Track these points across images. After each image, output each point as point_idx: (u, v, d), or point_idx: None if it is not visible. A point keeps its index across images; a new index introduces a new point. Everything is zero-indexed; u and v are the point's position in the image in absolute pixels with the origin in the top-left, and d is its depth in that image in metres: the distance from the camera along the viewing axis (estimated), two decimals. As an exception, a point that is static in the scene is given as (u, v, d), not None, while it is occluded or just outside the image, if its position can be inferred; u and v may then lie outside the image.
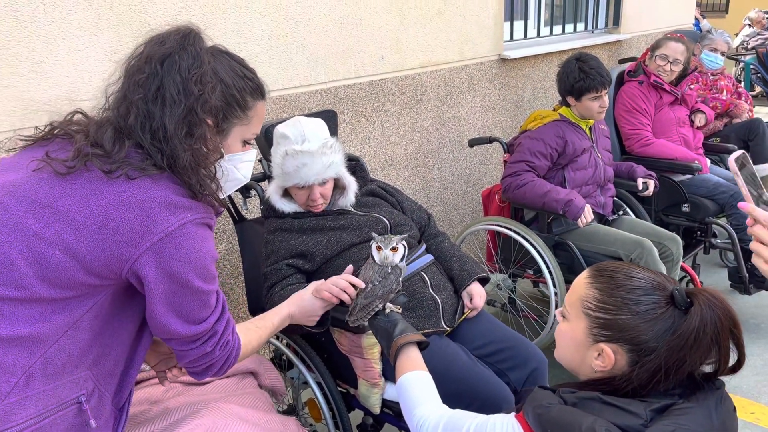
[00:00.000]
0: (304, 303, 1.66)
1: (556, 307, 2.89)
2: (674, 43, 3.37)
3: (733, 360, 1.12)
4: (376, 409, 1.89)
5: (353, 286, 1.65)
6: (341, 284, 1.65)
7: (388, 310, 1.56)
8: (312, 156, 1.86)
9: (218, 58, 1.27)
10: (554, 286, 2.84)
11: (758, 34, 9.30)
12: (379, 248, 1.57)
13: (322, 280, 1.69)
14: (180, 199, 1.17)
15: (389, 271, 1.56)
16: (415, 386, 1.38)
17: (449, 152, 3.60)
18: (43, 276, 1.11)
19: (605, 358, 1.13)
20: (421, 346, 1.50)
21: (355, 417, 2.00)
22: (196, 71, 1.19)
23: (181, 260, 1.16)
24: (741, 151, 1.16)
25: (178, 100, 1.17)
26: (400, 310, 1.60)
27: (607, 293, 1.14)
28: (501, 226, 3.00)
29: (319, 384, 1.97)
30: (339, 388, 1.99)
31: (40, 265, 1.10)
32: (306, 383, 2.12)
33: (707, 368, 1.13)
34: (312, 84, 2.79)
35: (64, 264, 1.11)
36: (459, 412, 1.27)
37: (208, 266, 1.22)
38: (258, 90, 1.33)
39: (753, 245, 1.11)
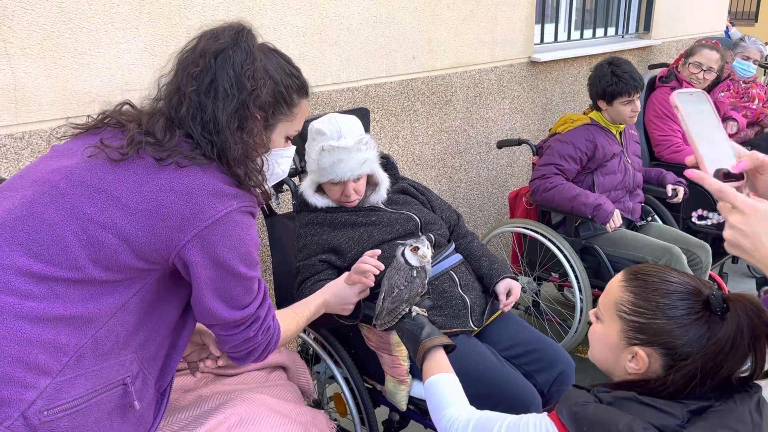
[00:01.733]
0: (338, 290, 1.70)
1: (581, 312, 2.88)
2: (709, 51, 3.34)
3: None
4: (403, 406, 1.90)
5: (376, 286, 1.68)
6: (365, 266, 1.69)
7: (414, 313, 1.57)
8: (348, 152, 1.88)
9: (268, 55, 1.31)
10: (580, 290, 2.83)
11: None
12: (415, 249, 1.57)
13: (351, 270, 1.72)
14: (227, 187, 1.21)
15: (414, 275, 1.57)
16: (443, 388, 1.39)
17: (476, 153, 3.60)
18: (96, 258, 1.14)
19: (639, 361, 1.14)
20: (448, 349, 1.51)
21: (380, 413, 2.01)
22: (249, 67, 1.22)
23: (227, 246, 1.20)
24: (692, 89, 1.06)
25: (231, 94, 1.21)
26: (425, 314, 1.61)
27: (642, 297, 1.14)
28: (528, 229, 2.99)
29: (345, 379, 1.98)
30: (365, 384, 2.00)
31: (93, 248, 1.14)
32: (332, 378, 2.13)
33: (743, 372, 1.12)
34: (344, 82, 2.81)
35: (116, 247, 1.15)
36: (488, 412, 1.28)
37: (252, 253, 1.26)
38: (303, 88, 1.37)
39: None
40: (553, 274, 3.07)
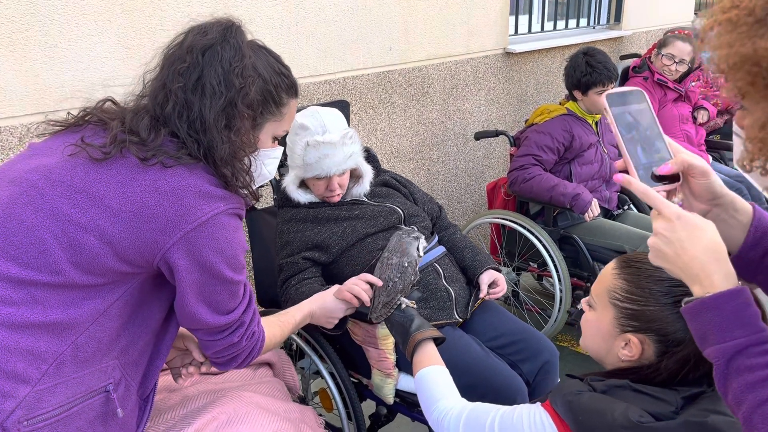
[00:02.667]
0: (326, 303, 1.67)
1: (560, 301, 2.91)
2: (682, 44, 3.38)
3: None
4: (390, 400, 1.89)
5: (370, 284, 1.67)
6: (362, 285, 1.66)
7: (403, 305, 1.57)
8: (333, 147, 1.86)
9: (257, 52, 1.27)
10: (559, 279, 2.86)
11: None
12: (416, 238, 1.57)
13: (345, 283, 1.69)
14: (213, 189, 1.17)
15: (406, 264, 1.56)
16: (434, 381, 1.38)
17: (454, 145, 3.60)
18: (77, 262, 1.10)
19: (632, 348, 1.14)
20: (437, 341, 1.50)
21: (367, 407, 2.01)
22: (238, 64, 1.19)
23: (213, 250, 1.16)
24: (623, 88, 1.02)
25: (218, 92, 1.17)
26: (415, 306, 1.60)
27: (635, 284, 1.15)
28: (507, 220, 3.00)
29: (331, 374, 1.97)
30: (351, 379, 1.99)
31: (74, 251, 1.10)
32: (317, 373, 2.12)
33: None
34: (321, 74, 2.78)
35: (98, 250, 1.10)
36: (480, 404, 1.28)
37: (239, 256, 1.22)
38: (292, 88, 1.33)
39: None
40: (531, 264, 3.09)
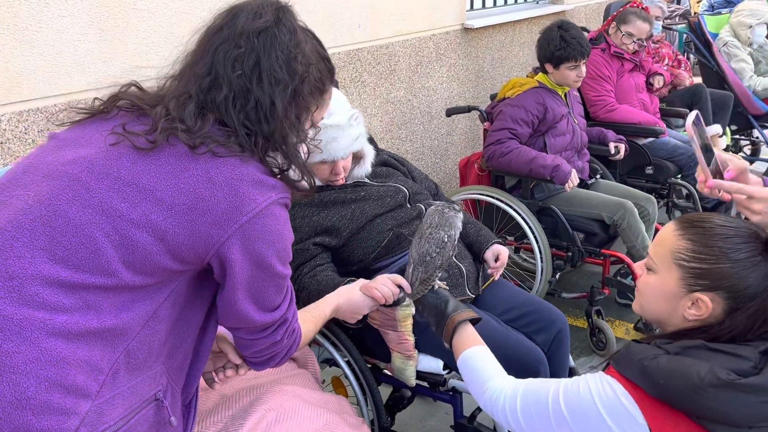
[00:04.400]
0: (353, 298, 1.59)
1: (542, 272, 2.96)
2: (642, 23, 3.45)
3: None
4: (412, 382, 1.86)
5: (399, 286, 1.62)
6: (392, 287, 1.61)
7: (436, 286, 1.53)
8: (341, 129, 1.79)
9: (306, 36, 1.19)
10: (540, 251, 2.90)
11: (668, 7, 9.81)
12: (458, 210, 1.53)
13: (375, 279, 1.63)
14: (265, 177, 1.10)
15: (446, 239, 1.53)
16: (481, 361, 1.37)
17: (420, 123, 3.58)
18: (129, 261, 1.01)
19: (701, 307, 1.15)
20: (473, 322, 1.48)
21: (383, 391, 1.97)
22: (299, 50, 1.12)
23: (266, 242, 1.10)
24: (695, 112, 1.24)
25: (283, 80, 1.10)
26: (446, 287, 1.58)
27: (702, 243, 1.16)
28: (485, 195, 3.01)
29: (347, 362, 1.91)
30: (366, 364, 1.95)
31: (127, 249, 1.00)
32: (327, 361, 2.06)
33: None
34: (295, 54, 2.68)
35: (151, 248, 1.02)
36: (534, 380, 1.27)
37: (288, 248, 1.16)
38: (333, 73, 1.27)
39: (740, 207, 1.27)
40: (509, 237, 3.12)
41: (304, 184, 1.21)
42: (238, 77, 1.09)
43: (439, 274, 1.53)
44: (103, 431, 0.99)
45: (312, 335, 1.43)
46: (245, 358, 1.26)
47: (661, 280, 1.21)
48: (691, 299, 1.16)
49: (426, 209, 1.59)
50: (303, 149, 1.21)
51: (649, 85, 3.76)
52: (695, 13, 7.51)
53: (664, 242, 1.22)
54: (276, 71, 1.10)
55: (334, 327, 1.92)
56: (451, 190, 3.46)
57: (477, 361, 1.37)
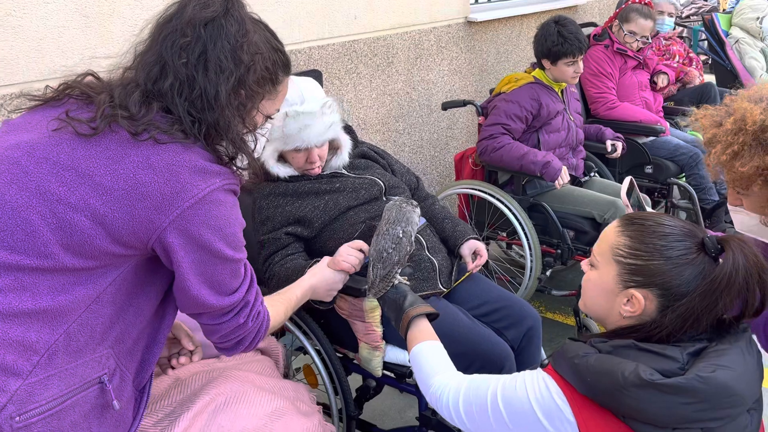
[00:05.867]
0: (325, 276, 1.62)
1: (531, 269, 2.95)
2: (644, 21, 3.39)
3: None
4: (378, 372, 1.88)
5: (361, 251, 1.64)
6: (356, 254, 1.64)
7: (396, 281, 1.55)
8: (313, 117, 1.81)
9: (256, 27, 1.21)
10: (529, 247, 2.89)
11: (692, 2, 9.61)
12: (416, 206, 1.55)
13: (338, 252, 1.66)
14: (209, 164, 1.12)
15: (401, 235, 1.54)
16: (429, 356, 1.37)
17: (419, 116, 3.57)
18: (67, 244, 1.04)
19: (635, 304, 1.15)
20: (431, 317, 1.49)
21: (352, 381, 1.99)
22: (245, 39, 1.14)
23: (211, 228, 1.11)
24: (629, 179, 1.26)
25: (227, 69, 1.12)
26: (407, 282, 1.59)
27: (639, 240, 1.16)
28: (476, 190, 3.01)
29: (317, 350, 1.94)
30: (336, 353, 1.97)
31: (64, 232, 1.03)
32: (299, 350, 2.09)
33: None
34: (287, 44, 2.67)
35: (90, 231, 1.04)
36: (477, 376, 1.27)
37: (237, 234, 1.18)
38: (287, 65, 1.29)
39: None
40: (500, 233, 3.12)
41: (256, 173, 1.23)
42: (183, 65, 1.11)
43: (399, 270, 1.54)
44: (33, 409, 1.02)
45: (282, 318, 1.44)
46: (214, 344, 1.28)
47: (600, 276, 1.22)
48: (626, 296, 1.17)
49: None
50: (250, 137, 1.23)
51: (653, 84, 3.70)
52: (723, 10, 7.37)
53: (606, 239, 1.22)
54: (221, 60, 1.12)
55: (305, 315, 1.94)
56: (450, 183, 3.45)
57: (425, 356, 1.38)
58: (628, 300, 1.16)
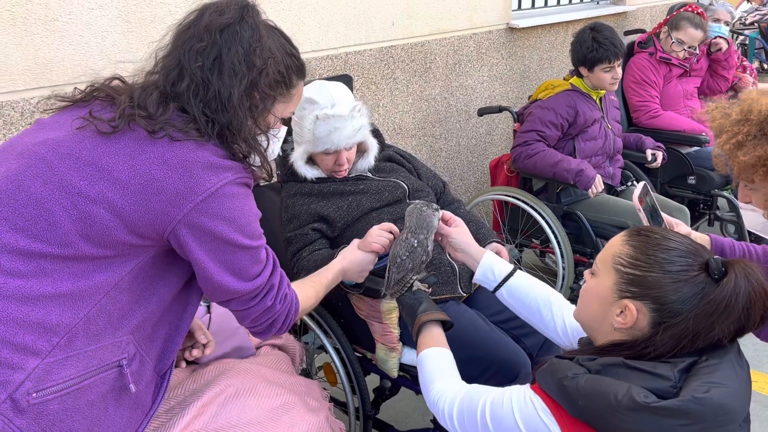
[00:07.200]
0: (356, 257, 1.65)
1: (563, 278, 2.92)
2: (693, 30, 3.29)
3: None
4: (394, 373, 1.90)
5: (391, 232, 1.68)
6: (387, 236, 1.66)
7: (415, 287, 1.57)
8: (343, 120, 1.85)
9: (270, 33, 1.27)
10: (561, 256, 2.86)
11: (756, 9, 9.28)
12: (435, 209, 1.56)
13: (369, 234, 1.68)
14: (221, 160, 1.18)
15: (415, 245, 1.56)
16: (434, 362, 1.39)
17: (456, 122, 3.58)
18: (87, 234, 1.11)
19: (627, 315, 1.13)
20: (446, 326, 1.50)
21: (371, 381, 2.02)
22: (258, 44, 1.20)
23: (225, 219, 1.17)
24: (642, 183, 1.23)
25: (240, 72, 1.18)
26: (429, 289, 1.61)
27: (641, 251, 1.15)
28: (510, 196, 3.00)
29: (335, 348, 1.98)
30: (355, 353, 2.00)
31: (84, 223, 1.10)
32: (321, 348, 2.13)
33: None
34: (323, 49, 2.76)
35: (108, 223, 1.11)
36: (476, 387, 1.28)
37: (252, 223, 1.23)
38: (301, 69, 1.34)
39: None
40: (534, 240, 3.09)
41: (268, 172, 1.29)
42: (199, 68, 1.18)
43: (414, 277, 1.56)
44: (50, 386, 1.09)
45: (314, 300, 1.48)
46: (248, 329, 1.34)
47: (598, 283, 1.20)
48: (620, 306, 1.15)
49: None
50: (263, 138, 1.29)
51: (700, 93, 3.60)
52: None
53: (610, 247, 1.21)
54: (235, 64, 1.18)
55: (326, 314, 1.98)
56: (484, 189, 3.45)
57: (430, 362, 1.40)
58: (621, 311, 1.15)
